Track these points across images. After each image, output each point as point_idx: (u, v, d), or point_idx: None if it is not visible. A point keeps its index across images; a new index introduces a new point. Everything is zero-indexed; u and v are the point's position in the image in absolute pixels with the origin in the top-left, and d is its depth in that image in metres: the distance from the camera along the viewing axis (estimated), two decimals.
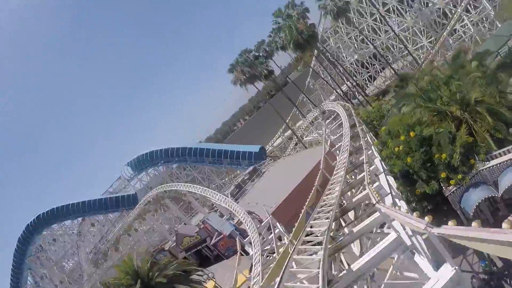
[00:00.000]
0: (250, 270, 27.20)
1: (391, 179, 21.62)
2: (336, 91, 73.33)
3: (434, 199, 24.74)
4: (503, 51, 37.30)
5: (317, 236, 12.52)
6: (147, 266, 24.57)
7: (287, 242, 24.35)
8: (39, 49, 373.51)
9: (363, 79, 77.65)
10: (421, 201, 25.02)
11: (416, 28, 62.60)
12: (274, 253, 23.95)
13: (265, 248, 26.45)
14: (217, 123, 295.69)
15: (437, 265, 12.16)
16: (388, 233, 15.50)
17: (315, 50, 71.24)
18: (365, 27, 68.77)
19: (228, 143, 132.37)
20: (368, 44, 71.01)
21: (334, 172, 23.22)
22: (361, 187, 22.49)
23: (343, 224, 19.28)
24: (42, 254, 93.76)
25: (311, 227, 14.14)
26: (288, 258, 11.41)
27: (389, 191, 16.68)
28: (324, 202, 16.93)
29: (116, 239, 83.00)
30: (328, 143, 38.91)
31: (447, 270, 11.40)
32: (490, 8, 52.24)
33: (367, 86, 77.08)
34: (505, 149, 23.07)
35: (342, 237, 13.65)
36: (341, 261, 15.09)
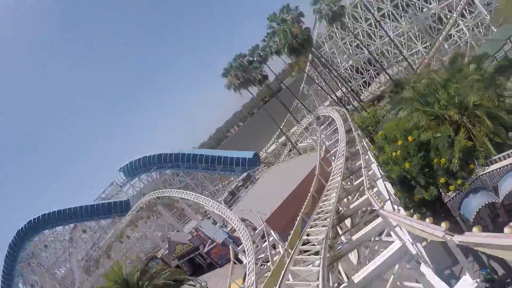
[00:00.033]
0: (244, 279, 26.41)
1: (388, 185, 20.97)
2: (331, 97, 72.84)
3: (433, 205, 24.09)
4: (499, 56, 37.00)
5: (314, 245, 11.78)
6: (136, 275, 23.75)
7: (281, 251, 23.60)
8: (30, 52, 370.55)
9: (358, 85, 77.21)
10: (420, 207, 24.34)
11: (411, 33, 62.32)
12: (269, 261, 23.15)
13: (259, 257, 25.67)
14: (211, 129, 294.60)
15: (441, 275, 11.38)
16: (389, 241, 14.84)
17: (310, 55, 70.93)
18: (360, 32, 68.49)
19: (222, 149, 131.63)
20: (363, 50, 70.72)
21: (330, 178, 22.51)
22: (357, 193, 21.88)
23: (340, 232, 18.56)
24: (33, 261, 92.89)
25: (307, 235, 13.38)
26: (284, 270, 10.62)
27: (388, 197, 15.98)
28: (320, 209, 16.19)
29: (108, 246, 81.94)
30: (323, 149, 38.34)
31: (468, 284, 9.99)
32: (485, 12, 52.04)
33: (362, 92, 76.68)
34: (504, 153, 22.55)
35: (341, 246, 12.93)
36: (339, 272, 14.30)
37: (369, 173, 20.17)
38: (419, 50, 61.59)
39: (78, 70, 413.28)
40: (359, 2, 65.33)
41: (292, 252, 11.73)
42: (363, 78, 77.03)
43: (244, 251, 28.51)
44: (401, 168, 23.49)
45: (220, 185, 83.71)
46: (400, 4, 61.70)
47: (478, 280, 10.21)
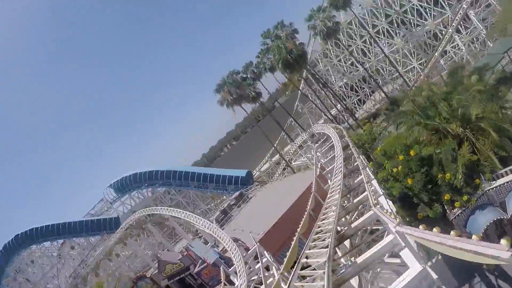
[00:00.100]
0: None
1: (390, 203, 19.71)
2: (325, 115, 71.94)
3: (437, 223, 22.72)
4: (497, 69, 36.40)
5: (314, 269, 10.39)
6: None
7: (275, 273, 22.14)
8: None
9: (352, 103, 76.55)
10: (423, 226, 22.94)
11: (406, 50, 61.83)
12: (262, 284, 21.66)
13: (252, 279, 24.19)
14: (204, 148, 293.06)
15: None
16: (396, 263, 13.48)
17: (304, 73, 70.28)
18: (355, 49, 68.03)
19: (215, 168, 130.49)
20: (357, 67, 70.22)
21: (328, 196, 21.15)
22: (356, 212, 20.58)
23: (339, 253, 17.17)
24: (20, 276, 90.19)
25: (306, 257, 11.97)
26: None
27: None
28: (319, 228, 14.80)
29: (96, 263, 79.70)
30: (319, 166, 37.10)
31: None
32: (481, 27, 51.62)
33: (357, 110, 76.02)
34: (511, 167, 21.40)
35: (344, 269, 11.53)
36: None
37: (371, 189, 18.89)
38: (414, 67, 61.03)
39: (69, 85, 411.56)
40: (353, 19, 64.93)
41: (290, 278, 10.33)
42: (357, 96, 76.42)
43: (236, 273, 27.10)
44: (402, 185, 22.18)
45: (212, 204, 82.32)
46: (395, 21, 61.36)
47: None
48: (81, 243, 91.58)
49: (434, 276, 10.11)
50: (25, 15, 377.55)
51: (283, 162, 74.18)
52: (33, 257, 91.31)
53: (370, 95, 75.89)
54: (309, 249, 12.48)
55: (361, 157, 29.23)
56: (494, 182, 21.63)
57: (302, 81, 76.33)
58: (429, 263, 14.28)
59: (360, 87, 75.51)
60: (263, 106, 72.57)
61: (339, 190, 19.82)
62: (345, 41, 67.45)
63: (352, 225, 15.51)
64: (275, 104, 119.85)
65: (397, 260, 14.88)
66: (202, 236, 51.23)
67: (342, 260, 16.58)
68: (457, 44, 53.99)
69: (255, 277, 24.37)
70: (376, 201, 13.94)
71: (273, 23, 60.32)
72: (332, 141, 38.16)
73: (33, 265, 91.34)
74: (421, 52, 61.26)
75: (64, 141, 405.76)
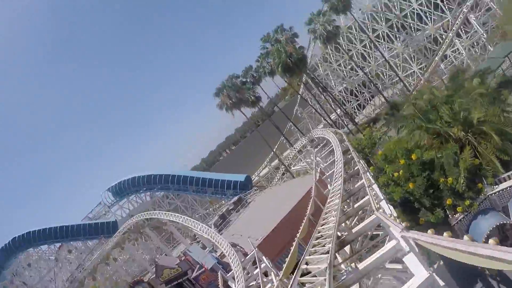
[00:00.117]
0: None
1: (391, 208, 19.32)
2: (325, 119, 71.59)
3: (439, 228, 22.28)
4: (498, 73, 36.16)
5: (315, 276, 9.99)
6: None
7: (274, 279, 21.70)
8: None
9: (352, 107, 76.21)
10: (424, 231, 22.50)
11: (406, 54, 61.60)
12: None
13: (250, 285, 23.69)
14: (204, 153, 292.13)
15: None
16: (397, 268, 13.10)
17: (304, 77, 70.00)
18: (354, 54, 67.81)
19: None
20: (357, 72, 69.96)
21: (328, 200, 20.78)
22: (357, 217, 20.22)
23: (339, 259, 16.74)
24: (17, 279, 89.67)
25: (306, 263, 11.57)
26: None
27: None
28: (319, 234, 14.42)
29: (93, 267, 79.05)
30: (318, 171, 36.71)
31: None
32: (482, 31, 51.40)
33: (356, 115, 75.59)
34: None
35: (345, 276, 11.14)
36: None
37: (372, 193, 18.51)
38: (414, 71, 60.78)
39: (68, 85, 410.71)
40: (353, 23, 64.75)
41: (290, 285, 9.93)
42: (357, 100, 76.11)
43: (233, 278, 26.64)
44: (403, 189, 21.78)
45: (210, 209, 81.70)
46: (395, 25, 61.18)
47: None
48: (78, 247, 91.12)
49: (441, 283, 9.72)
50: (25, 15, 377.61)
51: (282, 166, 73.71)
52: (30, 261, 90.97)
53: (370, 100, 75.58)
54: (309, 255, 12.08)
55: (362, 162, 28.89)
56: (496, 186, 21.29)
57: (302, 86, 76.00)
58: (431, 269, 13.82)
59: (360, 91, 75.19)
60: (263, 110, 72.21)
61: (339, 194, 19.45)
62: (345, 46, 67.19)
63: (353, 230, 15.10)
64: (274, 109, 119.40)
65: (398, 266, 14.52)
66: (200, 241, 50.78)
67: (342, 266, 16.21)
68: (458, 48, 53.80)
69: (253, 283, 23.90)
70: (378, 205, 13.54)
71: (273, 28, 60.19)
72: (332, 145, 37.80)
73: (30, 268, 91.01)
74: (421, 57, 61.04)
75: (62, 143, 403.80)
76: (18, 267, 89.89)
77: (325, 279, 9.04)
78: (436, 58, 54.97)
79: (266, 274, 25.03)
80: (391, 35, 62.02)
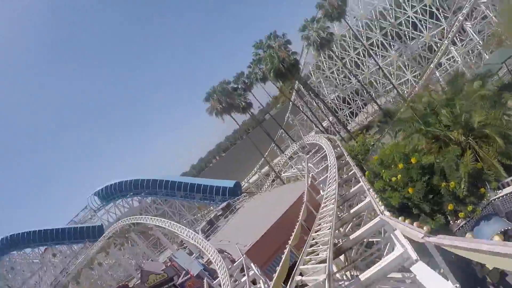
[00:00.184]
0: None
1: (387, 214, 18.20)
2: (317, 126, 70.70)
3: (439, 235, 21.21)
4: (498, 77, 35.74)
5: None
6: None
7: (262, 287, 20.54)
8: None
9: (344, 115, 75.50)
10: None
11: (400, 62, 61.02)
12: None
13: None
14: (194, 160, 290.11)
15: None
16: (397, 278, 11.91)
17: (296, 84, 69.14)
18: (348, 61, 67.15)
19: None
20: (350, 79, 69.30)
21: (322, 206, 19.64)
22: (351, 223, 19.15)
23: (335, 268, 15.55)
24: (1, 282, 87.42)
25: (301, 274, 10.35)
26: None
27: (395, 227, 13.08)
28: (314, 241, 13.23)
29: (77, 272, 77.32)
30: (310, 176, 35.63)
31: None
32: (478, 39, 50.90)
33: (349, 122, 74.89)
34: None
35: None
36: None
37: (368, 200, 17.42)
38: (408, 79, 60.16)
39: (57, 89, 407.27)
40: (347, 31, 64.13)
41: None
42: (350, 108, 75.43)
43: (220, 286, 25.38)
44: (401, 195, 20.65)
45: (199, 214, 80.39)
46: (389, 33, 60.60)
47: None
48: (63, 251, 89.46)
49: None
50: (25, 15, 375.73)
51: (273, 173, 72.65)
52: (13, 264, 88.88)
53: (363, 108, 74.94)
54: (304, 265, 10.86)
55: (356, 167, 27.82)
56: (500, 191, 20.38)
57: (294, 93, 75.15)
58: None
59: (353, 99, 74.55)
60: (253, 117, 71.17)
61: (334, 200, 18.32)
62: (338, 53, 66.54)
63: (352, 236, 13.91)
64: (265, 117, 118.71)
65: (398, 275, 13.36)
66: (187, 246, 49.56)
67: (338, 275, 15.03)
68: (453, 56, 53.28)
69: None
70: (383, 208, 12.39)
71: (265, 34, 59.60)
72: (325, 151, 36.81)
73: (13, 271, 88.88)
74: (415, 65, 60.49)
75: (46, 144, 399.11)
76: (1, 271, 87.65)
77: None
78: (431, 66, 54.40)
79: (254, 282, 23.77)
80: (385, 43, 61.45)
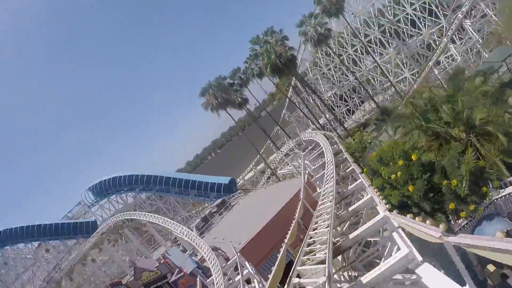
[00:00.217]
0: None
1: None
2: (313, 123, 70.11)
3: None
4: (495, 77, 35.12)
5: None
6: None
7: (257, 286, 20.03)
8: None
9: (341, 112, 74.99)
10: None
11: (398, 59, 60.51)
12: None
13: None
14: (189, 156, 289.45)
15: None
16: (399, 280, 11.35)
17: (293, 80, 68.54)
18: (345, 58, 66.59)
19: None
20: (347, 76, 68.74)
21: (319, 203, 19.06)
22: (348, 222, 18.63)
23: (333, 269, 14.98)
24: None
25: (298, 276, 9.75)
26: None
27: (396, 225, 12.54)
28: (311, 240, 12.64)
29: (70, 268, 76.52)
30: (307, 173, 35.09)
31: None
32: (477, 37, 50.45)
33: (345, 120, 74.42)
34: None
35: None
36: None
37: (367, 197, 16.89)
38: (406, 77, 59.66)
39: (53, 87, 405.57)
40: (345, 27, 63.56)
41: None
42: (347, 106, 74.91)
43: (213, 284, 24.79)
44: (401, 193, 20.02)
45: (193, 211, 79.80)
46: (387, 31, 60.07)
47: None
48: (56, 246, 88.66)
49: None
50: (25, 15, 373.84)
51: (268, 170, 72.09)
52: (6, 259, 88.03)
53: (360, 105, 74.43)
54: (301, 265, 10.26)
55: (354, 164, 27.24)
56: (502, 190, 19.80)
57: (290, 89, 74.55)
58: None
59: (350, 96, 74.04)
60: (249, 113, 70.51)
61: (331, 197, 17.76)
62: (336, 50, 65.96)
63: (352, 235, 13.32)
64: (261, 114, 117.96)
65: (399, 277, 12.81)
66: (180, 243, 48.98)
67: (336, 276, 14.48)
68: (452, 54, 52.83)
69: None
70: (387, 206, 11.79)
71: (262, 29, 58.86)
72: (321, 148, 36.23)
73: (6, 266, 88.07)
74: (413, 63, 60.00)
75: (43, 141, 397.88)
76: None
77: None
78: (430, 64, 53.90)
79: (248, 281, 23.22)
80: (383, 40, 60.92)
